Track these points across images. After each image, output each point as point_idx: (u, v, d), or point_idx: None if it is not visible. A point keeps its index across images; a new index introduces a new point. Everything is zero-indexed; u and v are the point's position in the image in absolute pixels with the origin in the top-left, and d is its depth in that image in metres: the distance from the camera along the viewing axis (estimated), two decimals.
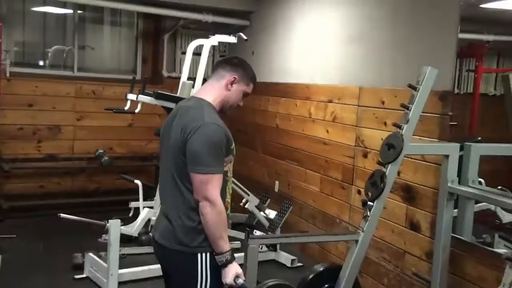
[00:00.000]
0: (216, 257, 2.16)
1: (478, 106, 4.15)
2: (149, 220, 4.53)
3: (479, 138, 4.00)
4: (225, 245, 2.15)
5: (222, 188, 2.16)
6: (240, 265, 2.67)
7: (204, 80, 4.12)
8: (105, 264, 3.88)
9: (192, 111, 2.19)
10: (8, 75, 5.55)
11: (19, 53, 6.05)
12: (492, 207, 3.51)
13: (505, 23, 3.69)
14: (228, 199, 2.27)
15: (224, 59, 2.48)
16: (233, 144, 2.24)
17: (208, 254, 2.17)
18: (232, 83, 2.28)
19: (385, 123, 3.89)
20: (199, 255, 2.16)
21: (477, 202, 3.38)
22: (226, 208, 2.21)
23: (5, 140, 5.60)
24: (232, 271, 2.15)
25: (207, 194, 2.08)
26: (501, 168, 3.73)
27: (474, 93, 4.18)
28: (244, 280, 2.17)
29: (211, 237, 2.13)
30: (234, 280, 2.14)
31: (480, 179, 3.50)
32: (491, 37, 4.00)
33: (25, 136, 5.79)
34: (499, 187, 3.17)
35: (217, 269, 2.18)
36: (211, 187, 2.08)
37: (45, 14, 6.14)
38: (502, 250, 3.04)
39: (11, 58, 5.69)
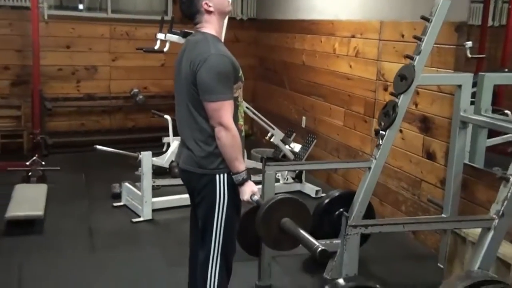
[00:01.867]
0: (233, 176, 2.37)
1: (511, 38, 4.12)
2: None
3: (506, 70, 4.02)
4: (241, 165, 2.36)
5: (234, 112, 2.35)
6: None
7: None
8: (139, 193, 4.20)
9: (199, 44, 2.34)
10: (46, 18, 5.79)
11: None
12: None
13: None
14: (241, 121, 2.46)
15: (181, 5, 2.46)
16: (241, 71, 2.39)
17: (225, 175, 2.38)
18: (207, 5, 2.34)
19: (405, 57, 3.94)
20: (217, 176, 2.38)
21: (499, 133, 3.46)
22: (240, 131, 2.41)
23: (47, 80, 5.92)
24: (249, 189, 2.37)
25: (221, 120, 2.28)
26: None
27: (508, 25, 4.15)
28: (259, 197, 2.39)
29: (228, 158, 2.34)
30: (251, 197, 2.36)
31: (507, 111, 3.56)
32: None
33: (65, 76, 6.11)
34: None
35: (234, 188, 2.40)
36: (223, 113, 2.27)
37: None
38: None
39: (48, 1, 5.90)
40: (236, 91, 2.36)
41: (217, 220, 2.44)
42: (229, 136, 2.30)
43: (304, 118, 5.61)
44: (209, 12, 2.37)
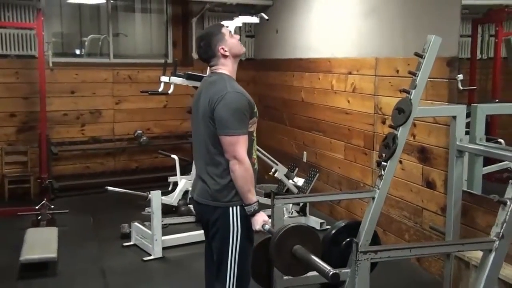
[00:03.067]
0: (245, 208, 2.52)
1: (499, 70, 4.34)
2: (187, 191, 4.94)
3: (497, 100, 4.21)
4: (253, 197, 2.51)
5: (249, 146, 2.51)
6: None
7: None
8: (149, 231, 4.30)
9: (216, 83, 2.53)
10: (50, 65, 6.01)
11: (57, 44, 6.49)
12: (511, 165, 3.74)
13: None
14: (255, 155, 2.62)
15: (198, 46, 2.64)
16: (255, 108, 2.57)
17: (238, 207, 2.54)
18: (224, 50, 2.55)
19: (400, 91, 4.13)
20: (230, 208, 2.53)
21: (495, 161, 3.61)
22: (253, 164, 2.57)
23: (53, 125, 6.09)
24: (260, 219, 2.51)
25: (235, 153, 2.43)
26: None
27: (495, 57, 4.37)
28: (271, 226, 2.52)
29: (241, 190, 2.48)
30: (263, 227, 2.50)
31: (500, 140, 3.73)
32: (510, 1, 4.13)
33: (70, 121, 6.29)
34: None
35: (246, 219, 2.55)
36: (238, 147, 2.43)
37: (80, 5, 6.55)
38: None
39: (51, 49, 6.12)
40: (251, 126, 2.53)
41: (232, 251, 2.57)
42: (242, 169, 2.45)
43: (305, 153, 5.77)
44: (225, 56, 2.56)
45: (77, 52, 6.72)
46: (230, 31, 2.62)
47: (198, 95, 2.62)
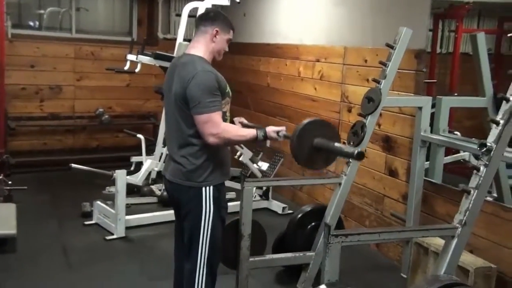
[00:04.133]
0: (258, 142, 2.67)
1: (458, 65, 4.50)
2: (150, 172, 4.92)
3: (455, 94, 4.38)
4: (250, 134, 2.60)
5: None
6: (236, 212, 3.09)
7: None
8: (113, 211, 4.26)
9: (187, 65, 2.53)
10: (9, 36, 5.79)
11: (13, 15, 6.16)
12: (466, 157, 3.93)
13: None
14: None
15: (201, 15, 2.76)
16: (228, 88, 2.60)
17: (211, 188, 2.56)
18: (215, 35, 2.60)
19: (367, 80, 4.23)
20: (203, 188, 2.55)
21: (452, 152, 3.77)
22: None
23: (10, 99, 5.88)
24: (272, 131, 2.63)
25: (211, 131, 2.44)
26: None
27: (454, 52, 4.52)
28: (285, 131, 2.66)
29: (241, 143, 2.57)
30: (278, 134, 2.62)
31: (456, 132, 3.89)
32: None
33: (28, 96, 6.09)
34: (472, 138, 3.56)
35: (219, 201, 2.59)
36: (211, 124, 2.44)
37: None
38: None
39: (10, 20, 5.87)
40: (224, 106, 2.56)
41: (204, 231, 2.59)
42: (222, 137, 2.47)
43: None
44: (211, 39, 2.58)
45: (32, 24, 6.44)
46: (230, 39, 2.68)
47: (170, 76, 2.61)
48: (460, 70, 4.46)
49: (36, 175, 5.75)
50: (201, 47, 2.60)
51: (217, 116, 2.47)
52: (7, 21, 5.74)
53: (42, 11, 6.46)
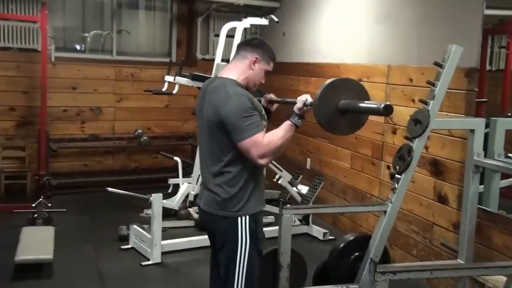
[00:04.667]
0: (298, 122, 2.46)
1: (510, 83, 4.23)
2: (188, 195, 4.81)
3: (509, 114, 4.10)
4: (287, 128, 2.44)
5: None
6: (275, 237, 2.94)
7: None
8: (149, 235, 4.16)
9: (218, 89, 2.41)
10: (53, 59, 5.87)
11: (59, 39, 6.30)
12: None
13: None
14: None
15: (245, 40, 2.69)
16: (263, 110, 2.49)
17: (247, 217, 2.42)
18: (254, 62, 2.49)
19: (413, 100, 4.02)
20: (239, 218, 2.41)
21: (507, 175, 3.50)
22: (263, 168, 2.52)
23: (52, 121, 5.95)
24: (299, 108, 2.46)
25: (258, 153, 2.31)
26: None
27: (506, 69, 4.26)
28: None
29: (288, 139, 2.43)
30: (305, 104, 2.46)
31: (510, 154, 3.62)
32: None
33: (70, 117, 6.14)
34: None
35: (256, 231, 2.45)
36: (256, 148, 2.31)
37: (83, 0, 6.41)
38: None
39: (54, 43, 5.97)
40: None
41: (240, 264, 2.45)
42: (269, 153, 2.35)
43: (309, 159, 5.65)
44: (249, 66, 2.48)
45: (78, 47, 6.57)
46: (269, 71, 2.56)
47: (202, 101, 2.51)
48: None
49: (76, 196, 5.76)
50: (236, 70, 2.49)
51: (259, 136, 2.33)
52: (51, 45, 5.84)
53: (86, 34, 6.55)
